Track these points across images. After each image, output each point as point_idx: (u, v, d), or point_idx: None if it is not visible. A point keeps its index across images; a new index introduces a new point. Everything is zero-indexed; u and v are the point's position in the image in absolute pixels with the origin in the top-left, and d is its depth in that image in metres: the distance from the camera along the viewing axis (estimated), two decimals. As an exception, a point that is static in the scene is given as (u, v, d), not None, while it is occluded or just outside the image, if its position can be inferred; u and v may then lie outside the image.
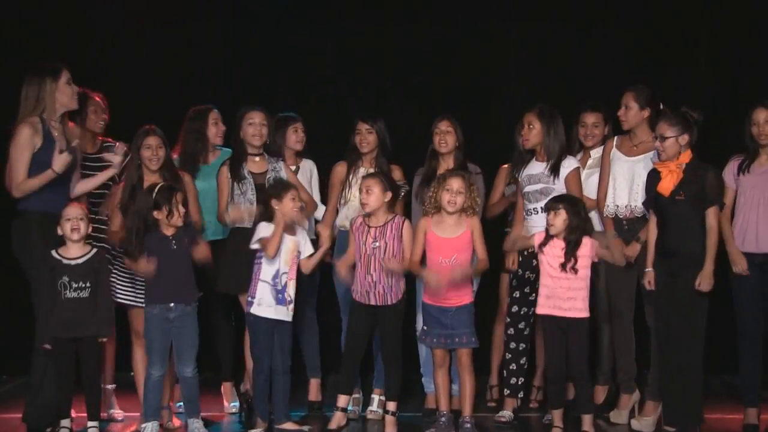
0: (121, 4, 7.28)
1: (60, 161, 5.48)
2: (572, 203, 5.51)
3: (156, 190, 5.47)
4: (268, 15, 7.37)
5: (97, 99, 6.12)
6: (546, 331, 5.60)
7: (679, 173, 5.50)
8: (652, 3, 7.26)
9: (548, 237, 5.51)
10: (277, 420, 5.63)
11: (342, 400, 5.73)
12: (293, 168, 6.16)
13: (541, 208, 5.83)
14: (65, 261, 5.44)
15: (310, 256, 5.64)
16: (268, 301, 5.56)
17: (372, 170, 6.03)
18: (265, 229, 5.53)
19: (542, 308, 5.54)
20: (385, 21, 7.39)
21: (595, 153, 6.08)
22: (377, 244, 5.59)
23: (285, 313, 5.56)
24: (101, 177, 5.81)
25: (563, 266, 5.44)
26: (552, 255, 5.49)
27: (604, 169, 5.95)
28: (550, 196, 5.78)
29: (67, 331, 5.43)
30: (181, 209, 5.47)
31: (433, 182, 5.71)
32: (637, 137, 5.93)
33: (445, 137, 6.04)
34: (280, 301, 5.57)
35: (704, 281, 5.42)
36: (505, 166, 6.29)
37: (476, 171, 6.11)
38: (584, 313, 5.47)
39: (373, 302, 5.62)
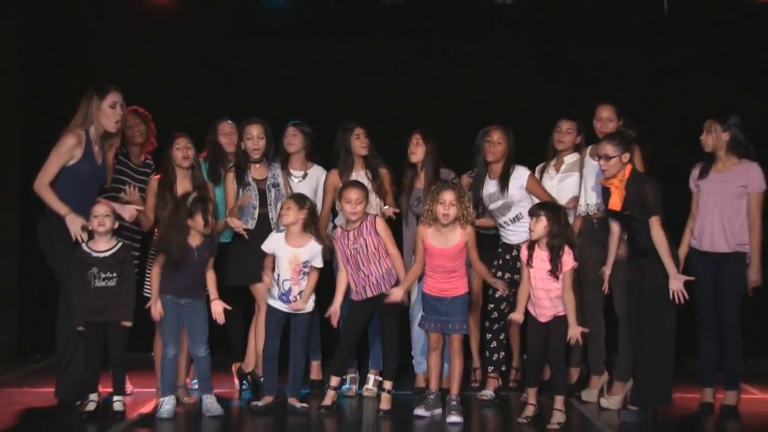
0: (140, 29, 7.63)
1: (76, 224, 5.69)
2: (553, 210, 5.68)
3: (190, 199, 5.76)
4: (277, 34, 7.71)
5: (136, 112, 6.38)
6: (530, 324, 5.79)
7: (622, 189, 5.69)
8: (623, 19, 7.53)
9: (532, 248, 5.69)
10: (288, 396, 5.98)
11: (334, 380, 5.97)
12: (303, 173, 6.41)
13: (511, 219, 6.17)
14: (94, 254, 5.72)
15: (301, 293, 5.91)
16: (273, 295, 5.94)
17: (363, 173, 6.33)
18: (275, 238, 5.90)
19: (531, 308, 5.75)
20: (384, 38, 7.72)
21: (568, 159, 6.36)
22: (357, 244, 5.82)
23: (287, 308, 5.88)
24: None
25: (551, 273, 5.60)
26: (538, 267, 5.67)
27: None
28: (512, 208, 6.11)
29: (96, 315, 5.70)
30: (211, 220, 5.76)
31: (428, 195, 5.87)
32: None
33: (416, 149, 6.33)
34: (283, 300, 5.90)
35: (672, 284, 5.61)
36: (465, 175, 6.55)
37: (450, 176, 6.38)
38: (563, 312, 5.67)
39: (370, 294, 5.86)
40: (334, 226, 6.33)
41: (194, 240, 5.80)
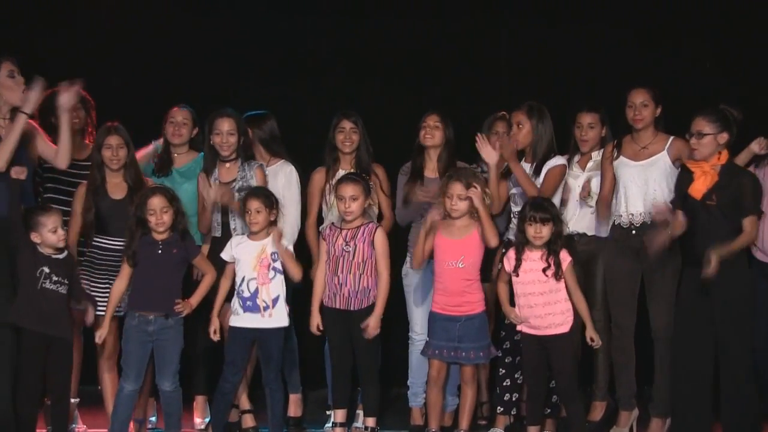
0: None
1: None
2: (555, 210, 5.54)
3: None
4: (260, 11, 7.41)
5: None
6: (525, 347, 5.57)
7: (713, 175, 5.34)
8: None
9: (520, 251, 5.48)
10: None
11: (339, 415, 5.73)
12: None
13: None
14: (46, 252, 5.38)
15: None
16: (235, 309, 5.60)
17: (351, 170, 6.04)
18: (235, 241, 5.63)
19: (521, 326, 5.54)
20: (377, 16, 7.45)
21: (597, 155, 6.03)
22: (348, 247, 5.65)
23: (259, 321, 5.55)
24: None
25: (554, 274, 5.40)
26: (529, 270, 5.46)
27: (606, 174, 5.87)
28: None
29: (40, 323, 5.31)
30: (164, 217, 5.48)
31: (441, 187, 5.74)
32: (642, 139, 5.84)
33: (433, 132, 6.06)
34: (249, 308, 5.58)
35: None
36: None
37: None
38: (564, 328, 5.43)
39: (338, 306, 5.65)
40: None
41: (158, 236, 5.54)
